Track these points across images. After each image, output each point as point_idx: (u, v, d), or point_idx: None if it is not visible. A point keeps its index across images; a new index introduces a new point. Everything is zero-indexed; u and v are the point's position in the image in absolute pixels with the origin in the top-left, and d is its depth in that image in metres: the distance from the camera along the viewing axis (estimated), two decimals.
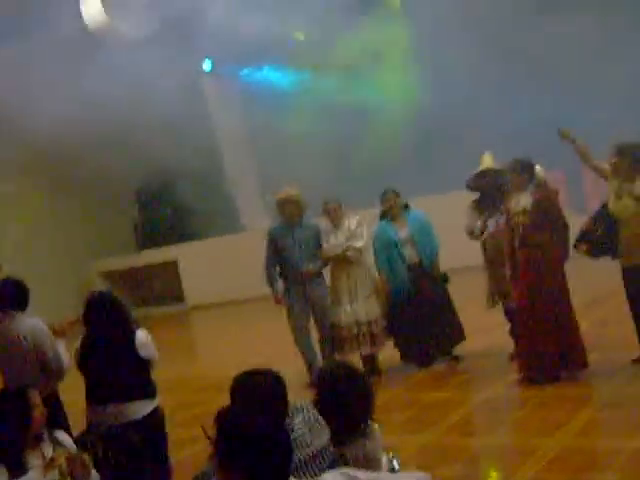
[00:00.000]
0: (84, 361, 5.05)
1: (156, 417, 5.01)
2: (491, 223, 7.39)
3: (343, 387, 3.54)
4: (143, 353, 4.94)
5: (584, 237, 6.60)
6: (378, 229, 8.02)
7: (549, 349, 6.47)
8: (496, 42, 13.14)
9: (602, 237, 6.50)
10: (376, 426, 3.67)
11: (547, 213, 6.53)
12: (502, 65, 13.18)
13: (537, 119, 13.08)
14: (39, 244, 16.40)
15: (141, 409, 4.93)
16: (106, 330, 4.97)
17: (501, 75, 13.33)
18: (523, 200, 6.59)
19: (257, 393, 3.24)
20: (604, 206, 6.58)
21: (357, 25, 13.18)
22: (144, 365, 4.99)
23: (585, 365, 6.52)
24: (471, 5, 12.44)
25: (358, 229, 7.90)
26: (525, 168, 6.63)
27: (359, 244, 7.84)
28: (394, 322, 7.92)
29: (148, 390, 5.02)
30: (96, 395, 5.02)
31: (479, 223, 7.50)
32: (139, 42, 13.54)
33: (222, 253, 16.58)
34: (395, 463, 3.66)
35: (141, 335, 4.98)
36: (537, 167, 6.70)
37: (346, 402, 3.52)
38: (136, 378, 4.97)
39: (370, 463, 3.52)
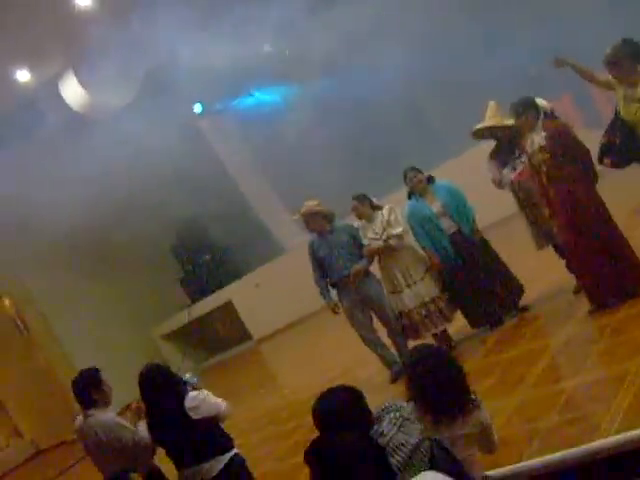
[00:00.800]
0: (152, 434, 5.19)
1: (233, 468, 5.09)
2: (507, 171, 7.37)
3: (432, 366, 3.55)
4: (195, 415, 4.98)
5: (606, 150, 6.54)
6: (410, 208, 7.99)
7: (607, 271, 6.44)
8: None
9: (622, 145, 6.43)
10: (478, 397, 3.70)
11: (563, 144, 6.49)
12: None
13: (534, 50, 13.03)
14: (103, 331, 16.58)
15: (214, 468, 5.04)
16: (157, 401, 5.09)
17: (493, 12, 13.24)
18: (537, 138, 6.57)
19: (337, 414, 3.28)
20: (617, 115, 6.52)
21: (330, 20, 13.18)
22: (204, 425, 5.02)
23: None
24: None
25: (392, 216, 7.91)
26: (526, 108, 6.61)
27: (398, 230, 7.84)
28: (455, 293, 7.93)
29: (216, 447, 5.10)
30: (175, 463, 5.20)
31: (505, 171, 7.48)
32: (127, 108, 13.73)
33: (270, 280, 16.67)
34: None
35: (190, 398, 5.03)
36: (539, 100, 6.66)
37: (440, 380, 3.53)
38: (198, 440, 5.04)
39: (486, 431, 3.62)
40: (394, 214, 7.93)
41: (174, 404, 5.00)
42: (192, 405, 5.00)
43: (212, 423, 5.09)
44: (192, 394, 5.06)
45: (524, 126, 6.65)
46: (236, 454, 5.18)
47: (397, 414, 3.47)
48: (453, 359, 3.76)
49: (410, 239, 8.05)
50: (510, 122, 7.17)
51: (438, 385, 3.54)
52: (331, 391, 3.42)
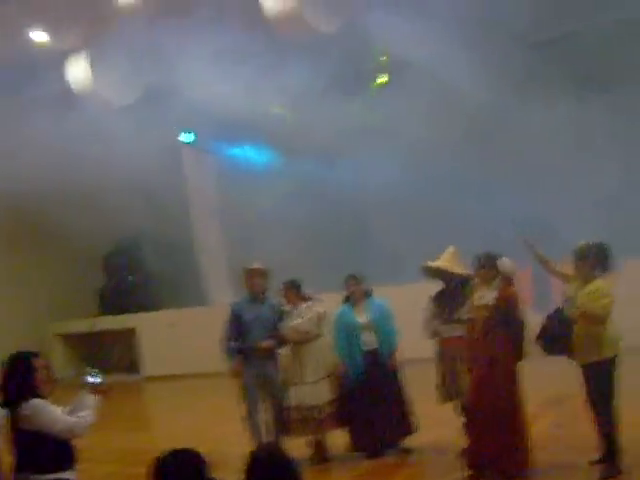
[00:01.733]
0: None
1: None
2: (436, 323, 7.41)
3: (266, 471, 3.49)
4: (23, 425, 4.62)
5: (542, 334, 6.60)
6: (339, 313, 8.00)
7: (492, 448, 6.39)
8: (477, 133, 13.36)
9: (558, 335, 6.47)
10: None
11: (507, 310, 6.55)
12: (480, 157, 13.37)
13: (508, 215, 13.30)
14: None
15: None
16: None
17: (478, 168, 13.51)
18: (488, 295, 6.62)
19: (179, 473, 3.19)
20: (563, 304, 6.61)
21: (341, 105, 13.37)
22: (31, 437, 4.62)
23: (525, 466, 6.42)
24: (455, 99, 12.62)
25: (306, 310, 7.90)
26: (489, 263, 6.69)
27: (302, 328, 7.82)
28: (346, 409, 7.81)
29: (39, 465, 4.64)
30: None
31: (436, 322, 7.47)
32: (121, 108, 13.67)
33: (182, 325, 16.40)
34: None
35: (28, 405, 4.63)
36: (505, 260, 6.73)
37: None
38: (22, 450, 4.65)
39: None
40: (310, 311, 7.91)
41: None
42: (25, 413, 4.63)
43: (44, 438, 4.64)
44: (33, 402, 4.66)
45: (482, 277, 6.69)
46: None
47: None
48: (289, 468, 3.58)
49: (325, 342, 7.97)
50: (460, 271, 7.26)
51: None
52: (181, 451, 3.35)
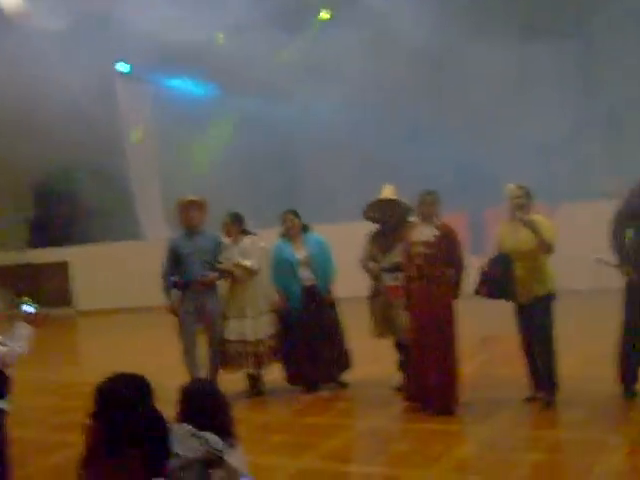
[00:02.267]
0: None
1: None
2: (372, 265, 7.47)
3: (197, 403, 3.59)
4: None
5: (484, 280, 6.69)
6: (276, 248, 7.98)
7: (431, 383, 6.54)
8: (420, 75, 13.29)
9: (500, 280, 6.60)
10: (238, 444, 3.67)
11: (449, 247, 6.62)
12: (422, 99, 13.33)
13: (446, 161, 13.38)
14: None
15: None
16: None
17: (420, 110, 13.49)
18: (427, 231, 6.66)
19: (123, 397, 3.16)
20: (499, 248, 6.73)
21: (282, 40, 13.16)
22: None
23: (456, 403, 6.59)
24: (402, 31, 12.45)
25: (249, 248, 7.85)
26: (435, 199, 6.73)
27: (247, 263, 7.77)
28: (283, 343, 7.86)
29: None
30: None
31: (371, 264, 7.53)
32: (53, 34, 13.17)
33: (116, 259, 16.20)
34: None
35: None
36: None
37: (201, 419, 3.52)
38: None
39: (233, 476, 3.52)
40: (255, 248, 7.87)
41: None
42: None
43: None
44: None
45: (425, 213, 6.72)
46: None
47: (186, 428, 3.37)
48: (218, 401, 3.72)
49: (265, 277, 7.95)
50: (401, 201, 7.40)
51: (193, 421, 3.50)
52: (122, 375, 3.32)
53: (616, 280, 6.63)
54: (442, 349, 6.55)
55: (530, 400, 6.71)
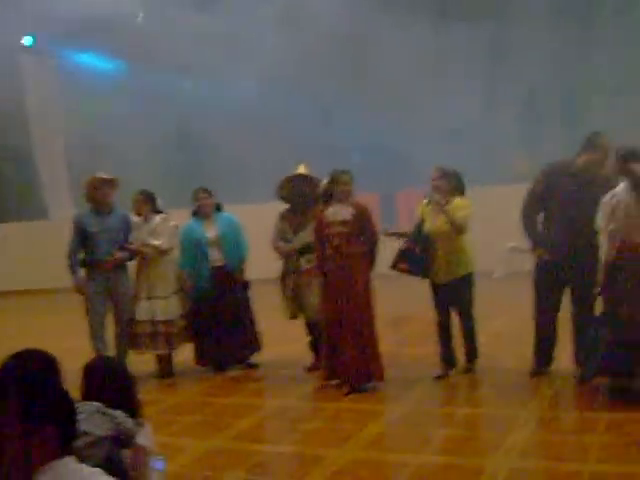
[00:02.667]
0: None
1: None
2: (282, 244, 7.47)
3: (103, 381, 3.55)
4: None
5: (403, 256, 6.72)
6: (186, 227, 7.85)
7: (351, 361, 6.54)
8: (333, 55, 13.25)
9: (420, 256, 6.68)
10: (146, 423, 3.62)
11: (363, 224, 6.64)
12: (336, 77, 13.29)
13: (359, 141, 13.40)
14: None
15: None
16: None
17: (331, 90, 13.44)
18: (342, 211, 6.64)
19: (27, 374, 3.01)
20: (420, 228, 6.77)
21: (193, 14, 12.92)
22: None
23: (382, 379, 6.65)
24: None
25: (161, 226, 7.69)
26: (350, 177, 6.71)
27: (156, 242, 7.63)
28: (193, 323, 7.75)
29: None
30: None
31: (281, 244, 7.47)
32: None
33: (22, 240, 15.71)
34: (160, 464, 3.53)
35: None
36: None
37: (106, 397, 3.47)
38: None
39: (142, 455, 3.48)
40: (165, 226, 7.71)
41: None
42: None
43: None
44: None
45: (343, 193, 6.67)
46: None
47: (93, 405, 3.27)
48: (123, 380, 3.69)
49: (175, 257, 7.83)
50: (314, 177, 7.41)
51: (97, 400, 3.46)
52: (27, 351, 3.31)
53: (528, 263, 6.75)
54: (360, 325, 6.56)
55: (441, 378, 6.79)
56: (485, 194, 12.07)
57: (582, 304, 6.35)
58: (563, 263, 6.35)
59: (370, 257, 6.69)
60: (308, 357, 7.58)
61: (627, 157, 5.66)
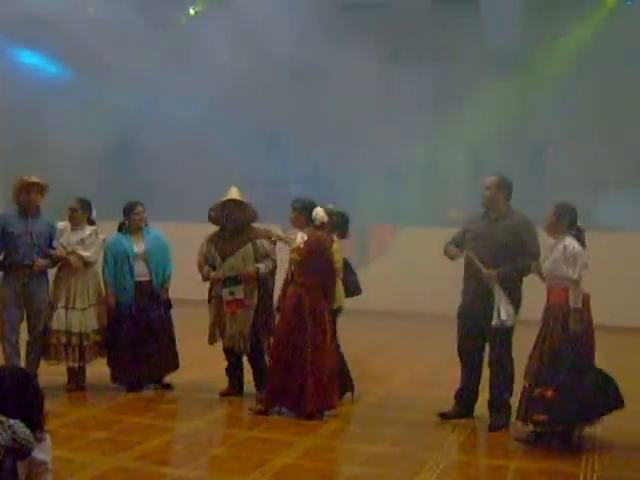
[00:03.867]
0: None
1: None
2: (207, 269, 7.40)
3: (5, 390, 3.42)
4: None
5: None
6: (112, 240, 7.73)
7: (292, 385, 6.59)
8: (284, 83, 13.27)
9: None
10: (47, 436, 3.52)
11: (316, 255, 6.66)
12: (282, 105, 13.28)
13: (297, 170, 13.39)
14: None
15: None
16: None
17: (277, 116, 13.43)
18: (299, 238, 6.75)
19: None
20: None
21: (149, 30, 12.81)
22: None
23: (325, 405, 6.67)
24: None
25: (90, 239, 7.57)
26: (304, 209, 6.79)
27: (85, 254, 7.50)
28: (110, 338, 7.60)
29: None
30: None
31: (206, 269, 7.40)
32: None
33: None
34: None
35: None
36: (321, 210, 6.75)
37: (7, 407, 3.36)
38: None
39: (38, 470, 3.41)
40: (93, 238, 7.60)
41: None
42: None
43: None
44: None
45: (295, 221, 6.85)
46: None
47: None
48: (33, 384, 3.58)
49: (98, 269, 7.71)
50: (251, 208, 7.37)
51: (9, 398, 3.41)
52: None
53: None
54: (305, 352, 6.58)
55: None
56: (418, 235, 12.27)
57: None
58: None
59: (325, 288, 6.75)
60: (224, 382, 7.47)
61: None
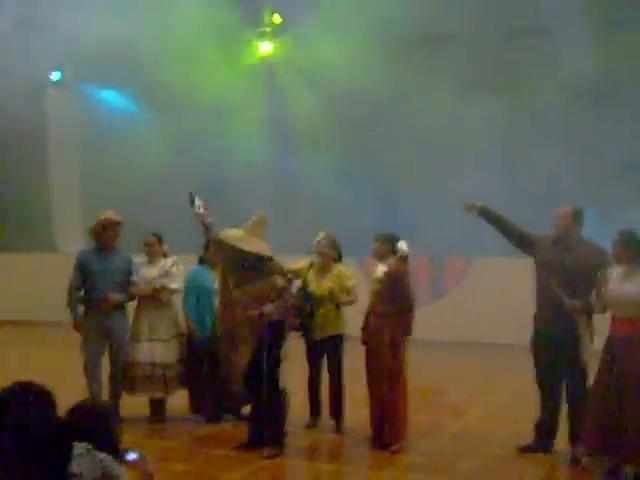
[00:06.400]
0: None
1: None
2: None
3: (86, 422, 3.50)
4: None
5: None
6: (193, 273, 7.87)
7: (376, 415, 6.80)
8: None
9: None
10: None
11: (394, 284, 6.75)
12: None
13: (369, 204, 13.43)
14: None
15: None
16: None
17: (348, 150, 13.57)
18: (379, 269, 6.86)
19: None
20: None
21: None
22: None
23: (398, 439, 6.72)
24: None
25: (173, 269, 7.73)
26: (389, 240, 6.89)
27: (174, 286, 7.69)
28: (191, 370, 7.72)
29: None
30: None
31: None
32: None
33: (28, 271, 15.74)
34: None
35: None
36: (403, 244, 6.82)
37: (88, 439, 3.38)
38: None
39: None
40: (176, 268, 7.75)
41: None
42: None
43: None
44: None
45: (378, 252, 6.95)
46: None
47: (83, 446, 3.27)
48: (111, 417, 3.76)
49: (178, 301, 7.85)
50: (254, 248, 6.69)
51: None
52: (23, 383, 3.29)
53: None
54: (385, 384, 6.70)
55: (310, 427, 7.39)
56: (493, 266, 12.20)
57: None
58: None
59: (401, 319, 6.84)
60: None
61: None
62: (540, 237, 6.70)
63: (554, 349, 6.38)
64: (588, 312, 6.21)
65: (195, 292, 7.76)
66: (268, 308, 6.60)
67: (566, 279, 6.29)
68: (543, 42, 12.29)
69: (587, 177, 11.77)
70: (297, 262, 7.51)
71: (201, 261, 7.92)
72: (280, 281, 6.77)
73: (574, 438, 6.37)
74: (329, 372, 7.43)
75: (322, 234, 7.43)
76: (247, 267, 6.71)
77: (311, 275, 7.33)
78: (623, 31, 11.94)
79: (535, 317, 6.58)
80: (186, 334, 7.77)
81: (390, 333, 6.73)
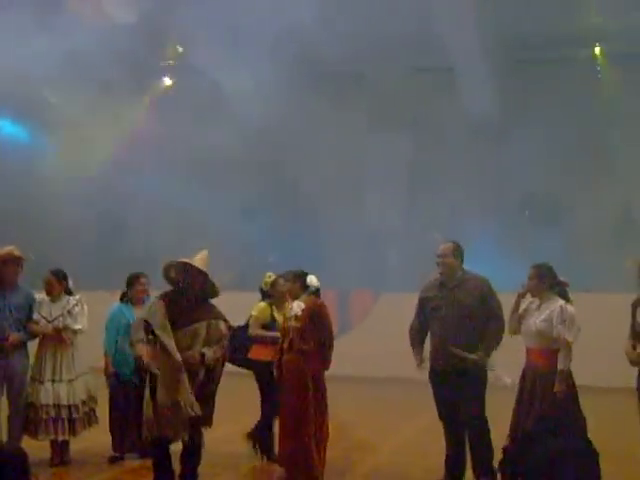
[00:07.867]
0: None
1: None
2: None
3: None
4: None
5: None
6: (114, 310, 7.73)
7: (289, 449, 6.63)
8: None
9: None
10: None
11: (314, 320, 6.73)
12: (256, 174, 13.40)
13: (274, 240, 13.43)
14: None
15: None
16: None
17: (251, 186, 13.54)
18: (296, 307, 6.79)
19: None
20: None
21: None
22: None
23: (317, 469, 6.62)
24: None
25: (76, 308, 7.48)
26: (298, 277, 6.88)
27: (77, 327, 7.44)
28: (113, 410, 7.58)
29: None
30: None
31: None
32: None
33: None
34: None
35: None
36: (312, 278, 6.87)
37: None
38: None
39: None
40: (79, 308, 7.50)
41: None
42: None
43: None
44: None
45: (291, 292, 6.95)
46: None
47: None
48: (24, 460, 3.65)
49: (82, 338, 7.58)
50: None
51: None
52: None
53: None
54: (308, 419, 6.60)
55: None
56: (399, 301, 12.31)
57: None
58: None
59: (324, 354, 6.84)
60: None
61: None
62: (426, 287, 6.81)
63: (448, 385, 6.45)
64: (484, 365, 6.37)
65: (115, 329, 7.61)
66: (209, 353, 6.12)
67: (460, 314, 6.41)
68: (447, 80, 12.65)
69: (488, 207, 12.13)
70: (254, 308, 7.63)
71: (122, 298, 7.77)
72: (223, 328, 6.31)
73: (477, 469, 6.43)
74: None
75: (271, 275, 7.59)
76: (194, 305, 6.29)
77: (276, 314, 7.50)
78: (520, 69, 12.48)
79: (430, 355, 6.62)
80: (112, 372, 7.59)
81: (312, 369, 6.67)
